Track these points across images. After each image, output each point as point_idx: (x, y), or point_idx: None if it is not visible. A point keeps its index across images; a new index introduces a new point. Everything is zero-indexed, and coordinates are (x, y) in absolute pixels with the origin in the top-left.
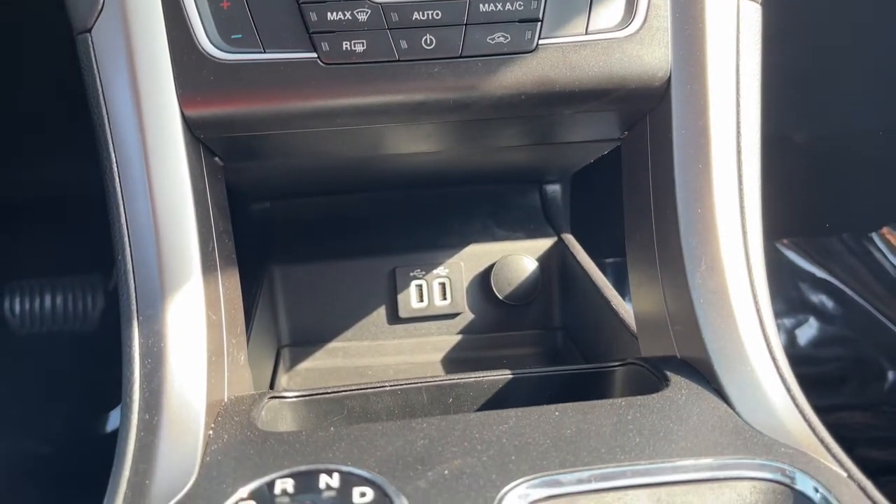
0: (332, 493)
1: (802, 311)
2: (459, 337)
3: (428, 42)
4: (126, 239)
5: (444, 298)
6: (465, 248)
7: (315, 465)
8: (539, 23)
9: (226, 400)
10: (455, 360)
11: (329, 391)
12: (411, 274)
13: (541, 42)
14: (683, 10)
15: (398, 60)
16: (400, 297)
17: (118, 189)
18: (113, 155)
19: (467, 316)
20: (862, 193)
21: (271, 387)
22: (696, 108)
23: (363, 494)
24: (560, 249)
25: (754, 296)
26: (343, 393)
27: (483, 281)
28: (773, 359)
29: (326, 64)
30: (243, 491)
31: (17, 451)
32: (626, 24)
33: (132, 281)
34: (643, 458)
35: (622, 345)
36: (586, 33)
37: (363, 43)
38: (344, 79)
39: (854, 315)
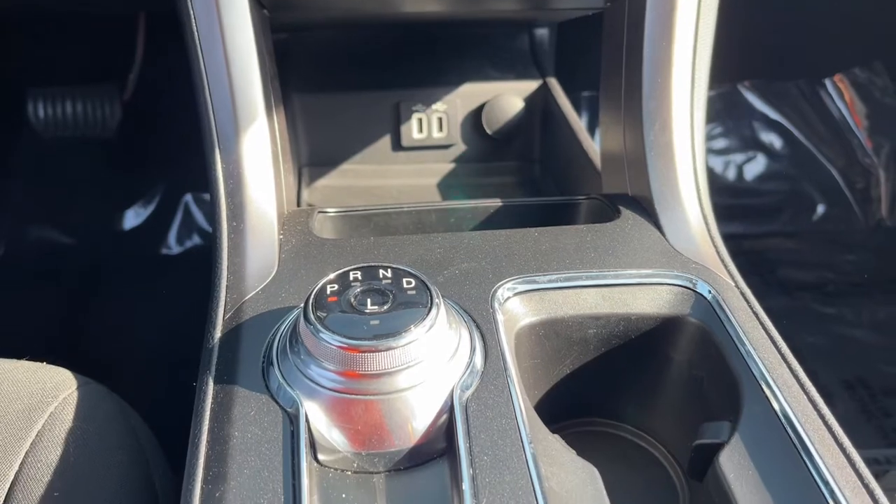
0: (388, 281)
1: (753, 149)
2: (452, 165)
3: None
4: (205, 82)
5: (441, 130)
6: (460, 87)
7: (374, 262)
8: None
9: (286, 212)
10: (448, 185)
11: (360, 209)
12: (413, 108)
13: None
14: None
15: None
16: (403, 127)
17: (198, 44)
18: (193, 18)
19: (460, 147)
20: (822, 41)
21: (297, 202)
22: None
23: (409, 282)
24: (544, 92)
25: (693, 153)
26: (371, 211)
27: (475, 117)
28: (700, 201)
29: None
30: (331, 275)
31: (44, 241)
32: None
33: (212, 117)
34: (595, 267)
35: (588, 179)
36: None
37: None
38: None
39: (798, 154)
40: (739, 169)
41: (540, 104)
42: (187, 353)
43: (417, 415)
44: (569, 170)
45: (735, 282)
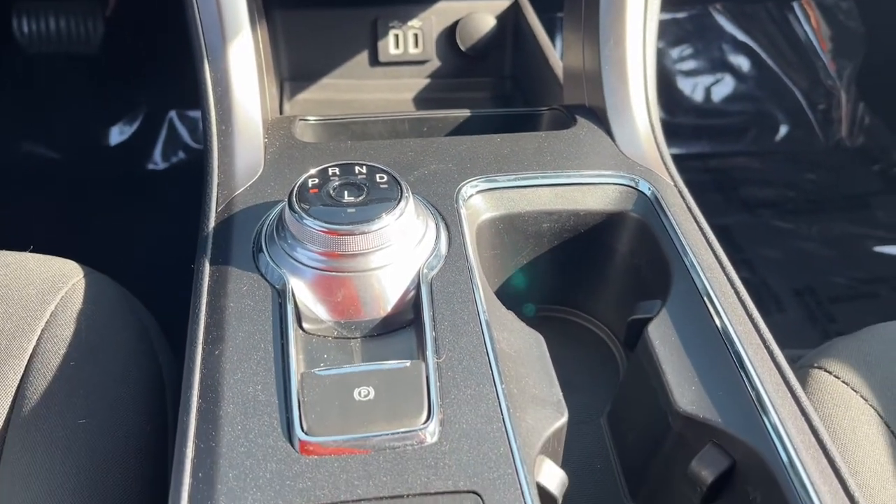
0: (363, 176)
1: (721, 70)
2: (428, 80)
3: None
4: None
5: (417, 47)
6: (436, 4)
7: (349, 160)
8: None
9: (269, 119)
10: (423, 100)
11: (339, 118)
12: (390, 24)
13: None
14: None
15: None
16: (380, 43)
17: None
18: None
19: (435, 63)
20: None
21: (280, 112)
22: None
23: (382, 178)
24: (515, 10)
25: (645, 66)
26: (349, 119)
27: (449, 34)
28: (649, 110)
29: None
30: (312, 170)
31: (32, 154)
32: None
33: (200, 30)
34: (551, 169)
35: (552, 92)
36: None
37: None
38: None
39: (764, 76)
40: (707, 90)
41: (511, 22)
42: (177, 261)
43: (388, 290)
44: (536, 85)
45: (674, 181)
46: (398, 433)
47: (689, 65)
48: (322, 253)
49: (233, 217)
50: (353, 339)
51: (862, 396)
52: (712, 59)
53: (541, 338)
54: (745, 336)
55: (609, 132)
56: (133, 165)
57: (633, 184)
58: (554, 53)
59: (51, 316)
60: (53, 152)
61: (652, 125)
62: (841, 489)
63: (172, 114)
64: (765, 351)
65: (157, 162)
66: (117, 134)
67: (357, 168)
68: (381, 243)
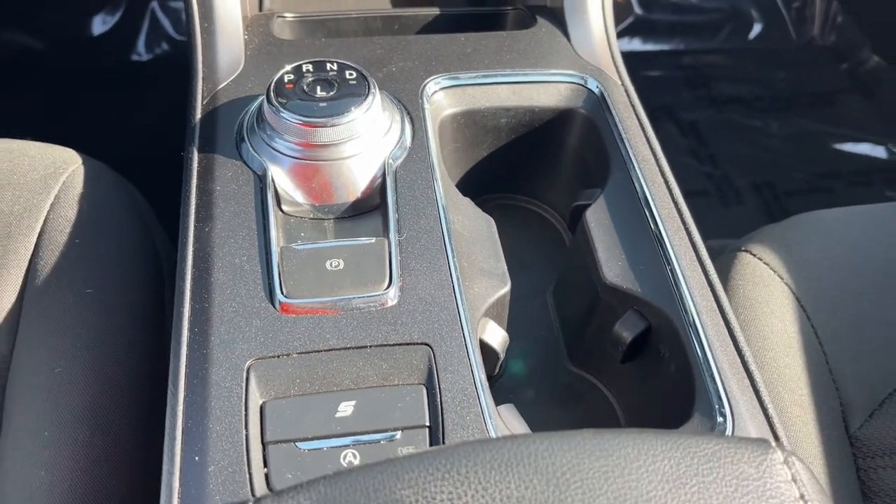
0: (334, 73)
1: None
2: None
3: None
4: None
5: None
6: None
7: (322, 59)
8: None
9: (249, 15)
10: None
11: (314, 15)
12: None
13: None
14: None
15: None
16: None
17: None
18: None
19: None
20: None
21: (259, 7)
22: None
23: (351, 75)
24: None
25: None
26: (324, 17)
27: None
28: (604, 14)
29: None
30: (287, 67)
31: (15, 44)
32: None
33: None
34: (509, 68)
35: None
36: None
37: None
38: None
39: None
40: None
41: None
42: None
43: (357, 177)
44: None
45: (622, 80)
46: (363, 297)
47: None
48: (297, 143)
49: (217, 109)
50: (326, 220)
51: (779, 275)
52: None
53: (492, 221)
54: (668, 220)
55: (566, 33)
56: (117, 56)
57: (583, 82)
58: None
59: (55, 199)
60: (36, 42)
61: (606, 27)
62: (731, 344)
63: (154, 4)
64: (684, 233)
65: (142, 53)
66: (100, 24)
67: (329, 65)
68: (350, 135)
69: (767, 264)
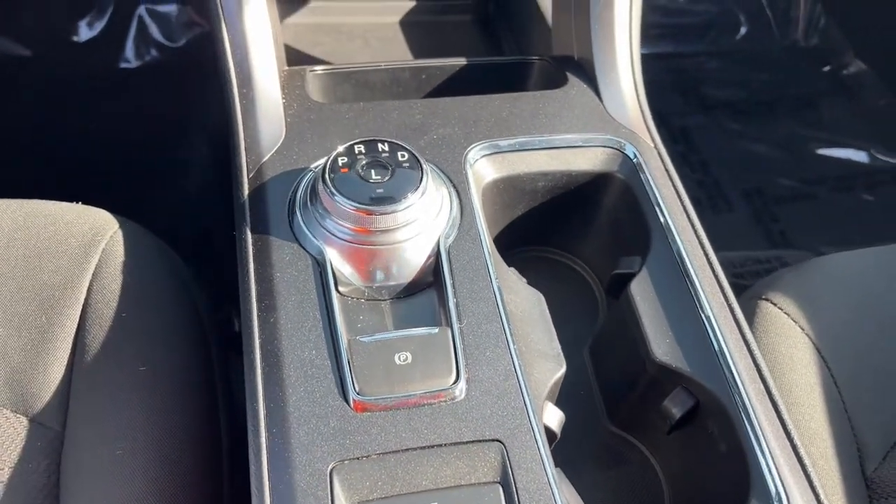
0: (386, 154)
1: None
2: (414, 2)
3: None
4: None
5: None
6: None
7: (373, 137)
8: None
9: (282, 70)
10: (409, 23)
11: (343, 68)
12: None
13: None
14: None
15: None
16: None
17: None
18: None
19: None
20: None
21: None
22: None
23: (403, 156)
24: None
25: (630, 29)
26: (353, 69)
27: None
28: (633, 73)
29: None
30: (340, 148)
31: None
32: None
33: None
34: (546, 132)
35: (539, 33)
36: None
37: None
38: None
39: None
40: None
41: None
42: (158, 162)
43: (413, 258)
44: (521, 19)
45: (655, 144)
46: (433, 391)
47: None
48: (355, 229)
49: (265, 185)
50: (382, 301)
51: (799, 326)
52: None
53: (541, 297)
54: (712, 296)
55: (597, 92)
56: (106, 63)
57: (619, 147)
58: None
59: (96, 269)
60: (23, 48)
61: (636, 87)
62: (782, 429)
63: (141, 9)
64: (728, 311)
65: (130, 59)
66: (86, 30)
67: (380, 146)
68: (406, 220)
69: (788, 314)
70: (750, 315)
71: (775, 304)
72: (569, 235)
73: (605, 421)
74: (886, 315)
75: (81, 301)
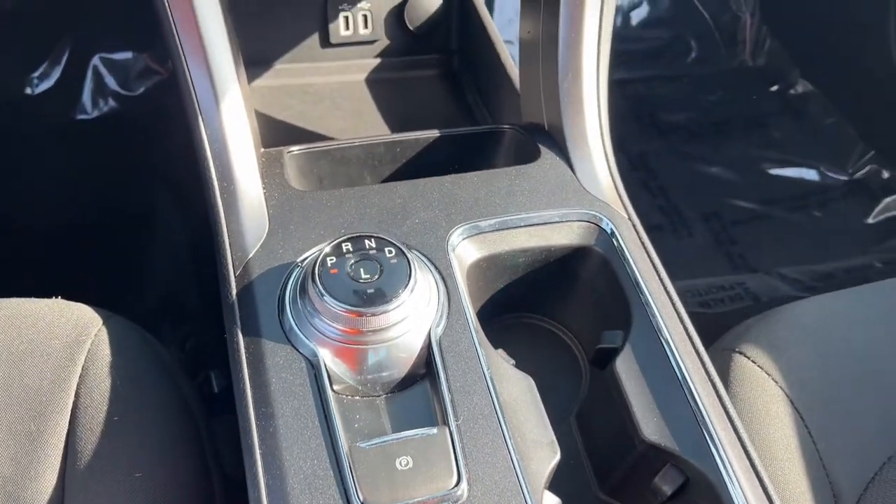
0: (374, 251)
1: None
2: (378, 60)
3: None
4: (183, 59)
5: (366, 27)
6: None
7: (358, 232)
8: None
9: (260, 154)
10: (374, 80)
11: (318, 147)
12: (339, 6)
13: None
14: None
15: None
16: (331, 25)
17: (171, 18)
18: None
19: (384, 42)
20: None
21: None
22: None
23: (391, 251)
24: None
25: (598, 100)
26: (328, 147)
27: (398, 13)
28: (604, 144)
29: None
30: (327, 248)
31: None
32: None
33: (193, 89)
34: (523, 209)
35: (505, 91)
36: None
37: None
38: None
39: (676, 0)
40: (626, 15)
41: (456, 0)
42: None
43: (406, 353)
44: (480, 61)
45: (629, 215)
46: (437, 496)
47: None
48: (348, 330)
49: (252, 284)
50: (377, 397)
51: (773, 379)
52: None
53: (531, 381)
54: (695, 374)
55: (570, 164)
56: (63, 115)
57: (595, 220)
58: (495, 30)
59: (83, 370)
60: None
61: (607, 158)
62: (766, 500)
63: (96, 60)
64: (710, 386)
65: (88, 111)
66: (40, 82)
67: (367, 241)
68: (398, 318)
69: (761, 367)
70: (725, 368)
71: (748, 357)
72: (551, 304)
73: (596, 489)
74: (849, 359)
75: (70, 405)
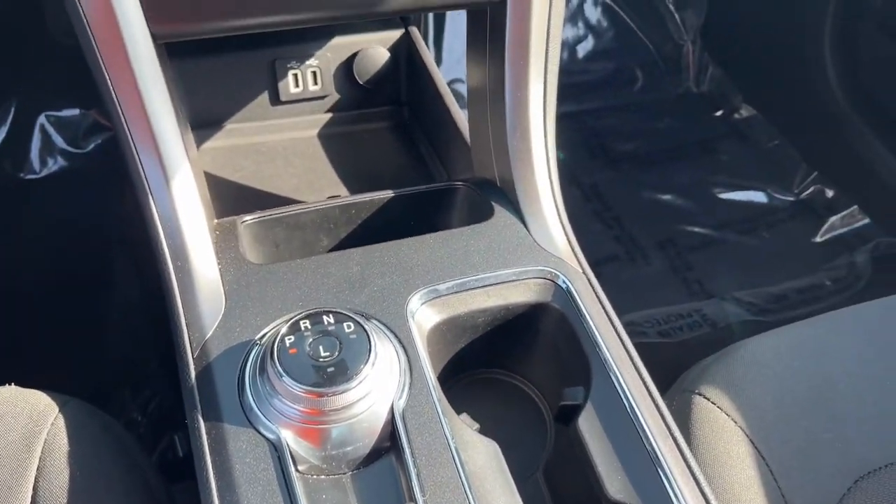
0: (332, 326)
1: (584, 30)
2: (329, 115)
3: None
4: (128, 133)
5: (316, 84)
6: (331, 41)
7: (318, 308)
8: None
9: (213, 226)
10: (327, 135)
11: (273, 214)
12: (288, 65)
13: None
14: None
15: None
16: (280, 84)
17: (114, 96)
18: (105, 72)
19: (334, 97)
20: None
21: None
22: (523, 17)
23: (349, 326)
24: (407, 40)
25: (548, 156)
26: (282, 214)
27: (346, 68)
28: (555, 200)
29: None
30: (283, 328)
31: None
32: None
33: (141, 167)
34: (480, 270)
35: (456, 143)
36: None
37: None
38: (273, 2)
39: (620, 32)
40: (573, 49)
41: (404, 52)
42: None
43: (369, 428)
44: (428, 110)
45: (583, 269)
46: None
47: None
48: (308, 411)
49: (211, 366)
50: (342, 474)
51: (732, 419)
52: (574, 18)
53: (496, 447)
54: (655, 428)
55: (523, 221)
56: (9, 175)
57: (550, 276)
58: (444, 84)
59: (40, 462)
60: None
61: (559, 213)
62: None
63: (42, 119)
64: (672, 441)
65: (36, 170)
66: None
67: (325, 318)
68: (361, 395)
69: (720, 408)
70: (686, 411)
71: (707, 398)
72: (513, 360)
73: None
74: (804, 393)
75: (28, 501)
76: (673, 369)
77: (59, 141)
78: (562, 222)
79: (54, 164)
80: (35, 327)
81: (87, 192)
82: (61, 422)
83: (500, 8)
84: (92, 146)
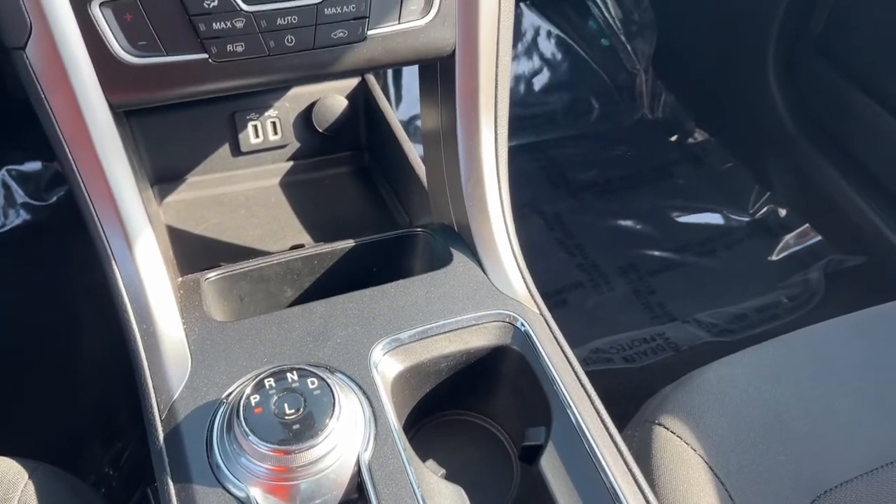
0: (296, 383)
1: (539, 63)
2: (290, 163)
3: (289, 40)
4: (88, 201)
5: (276, 133)
6: (289, 91)
7: (282, 364)
8: (367, 19)
9: (177, 284)
10: (289, 183)
11: (233, 270)
12: (247, 116)
13: (369, 33)
14: (465, 3)
15: (269, 55)
16: (240, 135)
17: (74, 167)
18: (64, 143)
19: (295, 145)
20: None
21: None
22: (472, 69)
23: (313, 382)
24: (364, 88)
25: (502, 202)
26: (245, 269)
27: (305, 117)
28: (511, 244)
29: (216, 62)
30: (247, 388)
31: None
32: (426, 14)
33: (102, 233)
34: (441, 316)
35: (401, 163)
36: (399, 23)
37: (242, 45)
38: (229, 71)
39: (575, 64)
40: (529, 82)
41: (362, 99)
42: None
43: (336, 480)
44: (387, 153)
45: (540, 310)
46: None
47: (513, 63)
48: (275, 469)
49: (179, 427)
50: None
51: (692, 448)
52: (530, 53)
53: (461, 491)
54: (614, 464)
55: (481, 265)
56: None
57: (509, 319)
58: (401, 131)
59: None
60: None
61: (515, 257)
62: None
63: (3, 172)
64: (629, 475)
65: None
66: None
67: (289, 375)
68: (327, 449)
69: (680, 437)
70: (647, 441)
71: (667, 428)
72: (477, 401)
73: None
74: (758, 417)
75: None
76: (638, 396)
77: (20, 195)
78: (518, 265)
79: (17, 218)
80: (2, 387)
81: (51, 244)
82: (31, 488)
83: (448, 62)
84: (55, 198)
